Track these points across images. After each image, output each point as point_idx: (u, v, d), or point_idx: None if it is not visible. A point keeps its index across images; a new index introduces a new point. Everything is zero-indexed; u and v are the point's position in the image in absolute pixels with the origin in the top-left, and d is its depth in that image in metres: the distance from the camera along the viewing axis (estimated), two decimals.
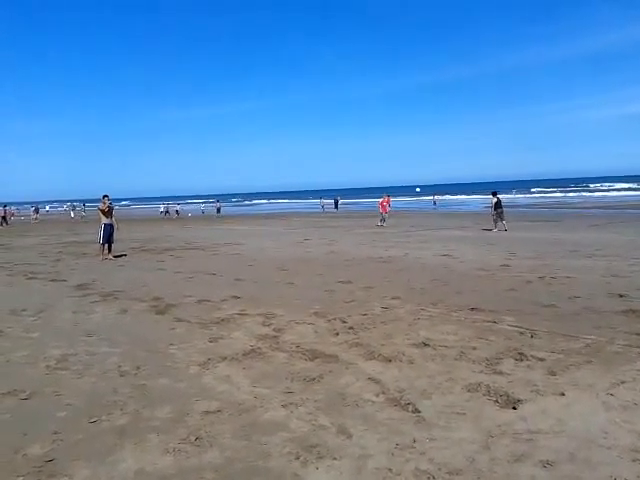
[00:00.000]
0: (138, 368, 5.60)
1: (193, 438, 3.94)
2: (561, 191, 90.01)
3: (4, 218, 43.28)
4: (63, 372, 5.54)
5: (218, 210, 53.25)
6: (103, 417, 4.37)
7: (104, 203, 16.25)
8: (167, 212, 55.54)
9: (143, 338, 6.80)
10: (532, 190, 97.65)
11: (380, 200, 30.55)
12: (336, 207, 55.41)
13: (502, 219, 24.19)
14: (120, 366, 5.68)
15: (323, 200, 59.82)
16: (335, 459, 3.57)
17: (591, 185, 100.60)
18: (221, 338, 6.68)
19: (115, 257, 16.01)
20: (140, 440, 3.95)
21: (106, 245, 16.02)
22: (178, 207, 58.09)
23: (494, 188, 28.10)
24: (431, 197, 69.37)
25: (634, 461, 3.39)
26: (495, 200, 24.53)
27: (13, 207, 55.23)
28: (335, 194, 67.08)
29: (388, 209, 30.10)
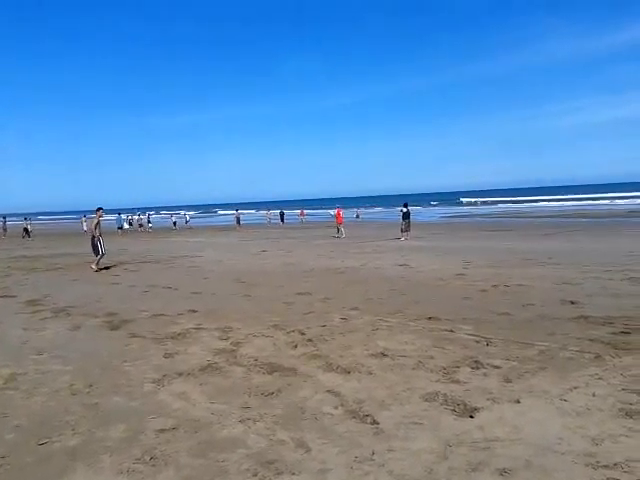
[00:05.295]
0: (91, 386, 5.43)
1: (148, 457, 3.83)
2: (514, 201, 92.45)
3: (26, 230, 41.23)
4: (11, 392, 5.32)
5: (175, 222, 51.88)
6: (54, 438, 4.22)
7: (100, 215, 16.68)
8: (131, 224, 51.58)
9: (96, 355, 6.61)
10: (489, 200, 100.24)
11: (334, 212, 31.07)
12: (282, 220, 52.20)
13: (407, 230, 25.49)
14: (72, 385, 5.49)
15: (269, 212, 57.43)
16: (294, 474, 3.52)
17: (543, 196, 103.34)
18: (177, 353, 6.55)
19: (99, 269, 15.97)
20: (92, 461, 3.82)
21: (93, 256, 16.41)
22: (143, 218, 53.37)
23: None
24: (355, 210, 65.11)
25: (587, 466, 3.46)
26: (405, 211, 25.57)
27: None
28: (264, 206, 65.10)
29: (342, 220, 30.57)
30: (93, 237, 16.39)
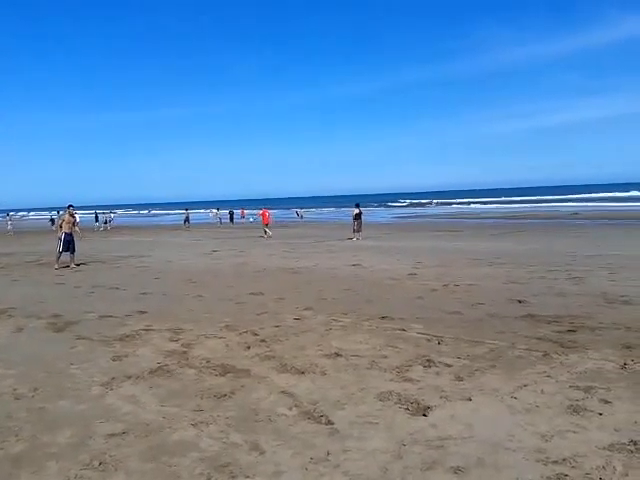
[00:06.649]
0: (35, 390, 5.22)
1: (97, 463, 3.70)
2: (459, 203, 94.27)
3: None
4: None
5: (105, 221, 47.20)
6: None
7: (69, 213, 16.77)
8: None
9: (41, 358, 6.36)
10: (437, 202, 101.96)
11: (259, 213, 31.81)
12: (232, 220, 50.10)
13: (359, 230, 25.69)
14: (15, 389, 5.27)
15: (218, 211, 53.16)
16: (248, 477, 3.46)
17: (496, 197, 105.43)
18: (125, 356, 6.37)
19: (77, 265, 16.25)
20: (38, 468, 3.67)
21: (62, 254, 16.11)
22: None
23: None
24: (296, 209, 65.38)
25: (537, 462, 3.53)
26: (357, 211, 25.91)
27: None
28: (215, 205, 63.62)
29: (271, 221, 31.12)
30: (67, 234, 16.21)
